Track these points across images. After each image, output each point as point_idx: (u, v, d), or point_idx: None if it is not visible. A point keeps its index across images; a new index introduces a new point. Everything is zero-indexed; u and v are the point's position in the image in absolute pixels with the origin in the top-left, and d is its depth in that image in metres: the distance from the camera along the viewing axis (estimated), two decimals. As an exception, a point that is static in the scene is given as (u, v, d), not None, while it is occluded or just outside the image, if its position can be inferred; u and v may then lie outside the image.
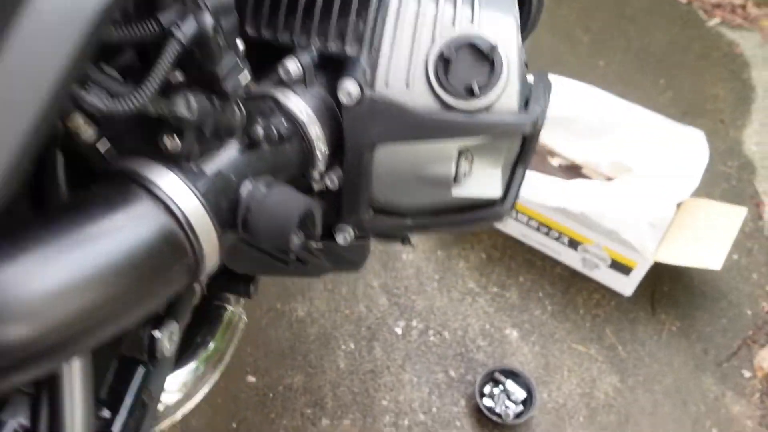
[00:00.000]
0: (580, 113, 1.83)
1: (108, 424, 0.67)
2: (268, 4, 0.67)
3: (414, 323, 1.73)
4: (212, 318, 1.06)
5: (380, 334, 1.70)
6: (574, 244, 1.75)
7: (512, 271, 1.84)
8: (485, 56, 0.61)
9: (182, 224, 0.50)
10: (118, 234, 0.48)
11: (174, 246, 0.50)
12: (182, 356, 1.01)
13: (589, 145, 1.84)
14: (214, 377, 1.06)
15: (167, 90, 0.50)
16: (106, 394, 0.69)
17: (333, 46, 0.65)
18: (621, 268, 1.72)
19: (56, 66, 0.39)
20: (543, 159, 1.90)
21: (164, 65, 0.47)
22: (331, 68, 0.65)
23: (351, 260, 0.84)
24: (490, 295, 1.79)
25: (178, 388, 1.00)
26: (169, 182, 0.51)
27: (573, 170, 1.89)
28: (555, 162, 1.91)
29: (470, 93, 0.61)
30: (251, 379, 1.61)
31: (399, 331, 1.71)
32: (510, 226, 1.85)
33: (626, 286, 1.75)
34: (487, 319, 1.75)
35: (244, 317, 1.09)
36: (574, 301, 1.78)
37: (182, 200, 0.51)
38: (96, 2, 0.40)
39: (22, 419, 0.60)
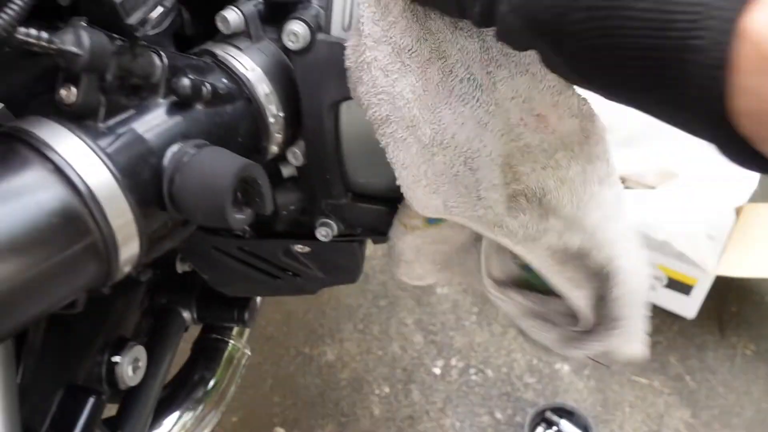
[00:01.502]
0: (617, 120, 1.69)
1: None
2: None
3: (453, 362, 1.57)
4: (211, 353, 0.95)
5: (417, 376, 1.55)
6: (624, 264, 1.58)
7: (559, 299, 1.67)
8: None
9: (81, 192, 0.40)
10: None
11: (69, 219, 0.40)
12: (180, 394, 0.91)
13: (629, 154, 1.69)
14: (216, 417, 0.95)
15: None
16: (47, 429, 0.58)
17: (281, -9, 0.55)
18: (680, 287, 1.54)
19: None
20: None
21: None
22: (284, 20, 0.55)
23: (345, 267, 0.72)
24: (535, 327, 1.62)
25: (178, 429, 0.89)
26: (65, 142, 0.41)
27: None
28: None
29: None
30: (280, 430, 1.48)
31: (437, 371, 1.56)
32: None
33: (688, 307, 1.56)
34: (533, 353, 1.58)
35: (248, 351, 0.98)
36: (630, 328, 1.60)
37: (80, 163, 0.41)
38: None
39: None
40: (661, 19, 0.30)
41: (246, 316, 0.88)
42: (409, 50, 0.45)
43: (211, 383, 0.94)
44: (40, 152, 0.40)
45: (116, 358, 0.64)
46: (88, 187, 0.40)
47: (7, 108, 0.45)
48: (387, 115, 0.47)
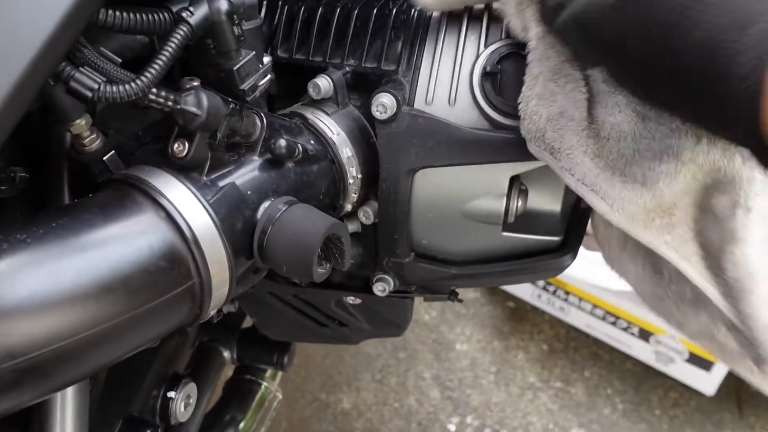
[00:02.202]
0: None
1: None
2: (299, 26, 0.62)
3: (469, 420, 1.57)
4: (244, 394, 0.96)
5: (432, 431, 1.55)
6: (645, 335, 1.59)
7: (577, 365, 1.68)
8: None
9: (187, 239, 0.43)
10: (109, 242, 0.41)
11: (175, 263, 0.43)
12: (209, 434, 0.92)
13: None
14: (244, 461, 0.96)
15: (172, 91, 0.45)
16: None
17: (368, 64, 0.59)
18: (700, 362, 1.54)
19: (38, 31, 0.35)
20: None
21: (171, 48, 0.42)
22: (367, 89, 0.59)
23: (392, 322, 0.75)
24: (553, 391, 1.63)
25: (204, 470, 0.90)
26: (175, 191, 0.44)
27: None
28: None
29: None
30: (291, 476, 1.47)
31: (452, 428, 1.56)
32: (573, 315, 1.71)
33: (708, 383, 1.56)
34: (550, 417, 1.58)
35: (280, 395, 1.00)
36: (648, 400, 1.60)
37: (189, 211, 0.44)
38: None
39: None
40: (709, 47, 0.36)
41: (285, 360, 0.90)
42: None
43: (242, 425, 0.96)
44: (154, 199, 0.44)
45: (171, 394, 0.66)
46: (194, 234, 0.44)
47: (117, 154, 0.49)
48: None
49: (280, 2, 0.66)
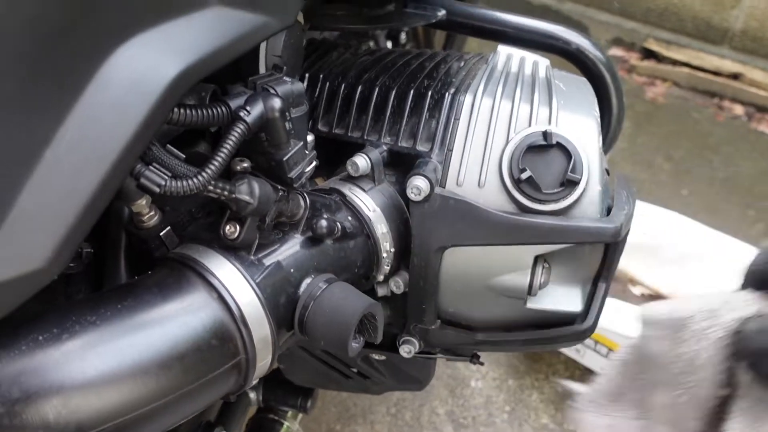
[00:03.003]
0: (664, 240, 1.75)
1: None
2: (339, 103, 0.66)
3: (482, 458, 1.59)
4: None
5: (445, 468, 1.57)
6: (659, 380, 1.60)
7: (591, 408, 1.69)
8: (563, 156, 0.58)
9: (236, 318, 0.47)
10: (167, 322, 0.45)
11: (225, 341, 0.47)
12: (231, 473, 0.95)
13: (674, 273, 1.73)
14: (264, 500, 0.99)
15: (232, 177, 0.49)
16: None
17: (404, 144, 0.63)
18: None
19: (120, 137, 0.39)
20: (624, 287, 1.80)
21: (229, 145, 0.46)
22: (402, 166, 0.63)
23: (415, 378, 0.78)
24: (566, 433, 1.64)
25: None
26: (224, 271, 0.48)
27: (657, 301, 1.77)
28: (637, 291, 1.81)
29: (548, 194, 0.58)
30: (304, 507, 1.49)
31: (465, 465, 1.58)
32: (588, 358, 1.72)
33: None
34: (562, 460, 1.59)
35: (300, 435, 1.03)
36: (662, 445, 1.60)
37: (237, 291, 0.48)
38: (163, 78, 0.40)
39: None
40: None
41: (308, 404, 0.93)
42: None
43: (263, 462, 0.99)
44: (206, 280, 0.48)
45: (204, 442, 0.70)
46: (242, 313, 0.48)
47: (172, 230, 0.53)
48: None
49: (321, 77, 0.70)
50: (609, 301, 0.74)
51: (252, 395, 0.93)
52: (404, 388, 0.81)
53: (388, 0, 0.89)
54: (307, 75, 0.71)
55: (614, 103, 0.93)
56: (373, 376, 0.79)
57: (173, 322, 0.45)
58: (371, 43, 1.09)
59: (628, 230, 0.60)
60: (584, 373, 1.75)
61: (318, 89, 0.69)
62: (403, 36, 1.34)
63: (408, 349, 0.69)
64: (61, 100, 0.38)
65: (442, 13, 0.88)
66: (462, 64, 0.75)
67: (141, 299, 0.45)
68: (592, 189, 0.59)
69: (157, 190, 0.44)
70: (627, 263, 1.77)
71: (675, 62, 3.17)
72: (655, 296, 1.78)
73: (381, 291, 0.68)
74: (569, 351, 1.76)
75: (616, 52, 3.32)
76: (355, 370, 0.80)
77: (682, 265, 1.72)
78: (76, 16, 0.37)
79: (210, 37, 0.45)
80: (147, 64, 0.40)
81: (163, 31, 0.42)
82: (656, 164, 2.56)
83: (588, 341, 1.69)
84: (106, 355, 0.42)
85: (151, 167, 0.44)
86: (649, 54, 3.28)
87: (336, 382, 0.83)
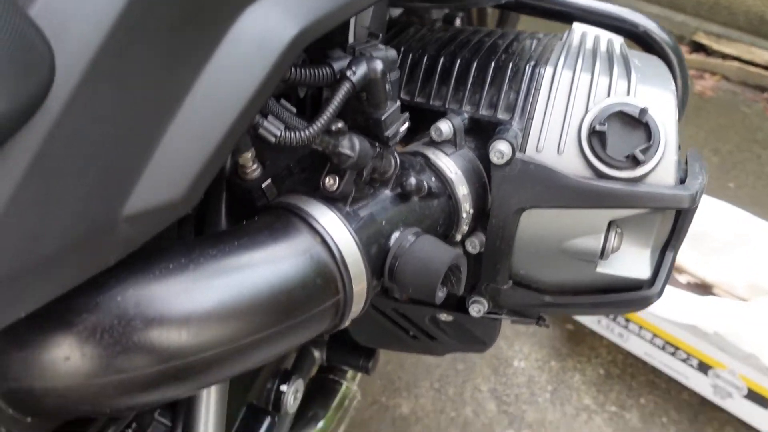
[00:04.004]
0: (711, 229, 1.75)
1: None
2: (421, 72, 0.70)
3: (523, 435, 1.62)
4: (327, 392, 1.04)
5: (486, 443, 1.61)
6: (704, 367, 1.61)
7: (633, 391, 1.71)
8: (640, 125, 0.61)
9: (337, 260, 0.51)
10: (278, 260, 0.49)
11: (327, 281, 0.51)
12: (293, 428, 1.00)
13: (721, 263, 1.73)
14: (321, 456, 1.03)
15: (332, 134, 0.53)
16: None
17: (484, 112, 0.67)
18: (759, 399, 1.56)
19: (247, 88, 0.43)
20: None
21: (337, 103, 0.50)
22: (481, 133, 0.66)
23: (480, 339, 0.81)
24: (607, 414, 1.66)
25: (287, 461, 0.98)
26: (327, 218, 0.52)
27: (703, 289, 1.78)
28: (683, 279, 1.81)
29: (626, 161, 0.60)
30: (349, 473, 1.55)
31: (507, 441, 1.61)
32: (632, 343, 1.74)
33: (766, 420, 1.57)
34: (604, 441, 1.61)
35: (359, 396, 1.07)
36: (702, 432, 1.62)
37: (339, 236, 0.52)
38: (284, 36, 0.44)
39: (157, 448, 0.60)
40: None
41: (370, 364, 0.98)
42: None
43: (322, 422, 1.03)
44: (310, 225, 0.52)
45: (283, 387, 0.74)
46: (342, 256, 0.51)
47: (272, 183, 0.57)
48: None
49: (403, 49, 0.74)
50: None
51: (317, 354, 0.98)
52: (468, 349, 0.84)
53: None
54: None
55: (680, 85, 0.94)
56: (440, 336, 0.83)
57: (284, 260, 0.49)
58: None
59: (701, 200, 0.63)
60: (626, 357, 1.77)
61: (400, 60, 0.72)
62: (457, 21, 1.37)
63: (478, 309, 0.72)
64: (201, 52, 0.42)
65: (510, -7, 0.91)
66: (536, 41, 0.78)
67: (254, 239, 0.49)
68: (668, 158, 0.61)
69: (273, 139, 0.48)
70: (674, 251, 1.77)
71: (725, 56, 3.13)
72: (701, 285, 1.78)
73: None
74: (612, 335, 1.78)
75: (665, 42, 3.28)
76: (420, 328, 0.84)
77: (727, 254, 1.72)
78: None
79: (323, 1, 0.48)
80: (271, 24, 0.44)
81: (285, -6, 0.46)
82: (703, 157, 2.54)
83: (632, 326, 1.71)
84: (227, 285, 0.46)
85: (268, 119, 0.48)
86: (698, 47, 3.24)
87: (402, 342, 0.87)
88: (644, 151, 0.60)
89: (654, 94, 0.63)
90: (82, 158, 0.36)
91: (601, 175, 0.61)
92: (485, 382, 1.74)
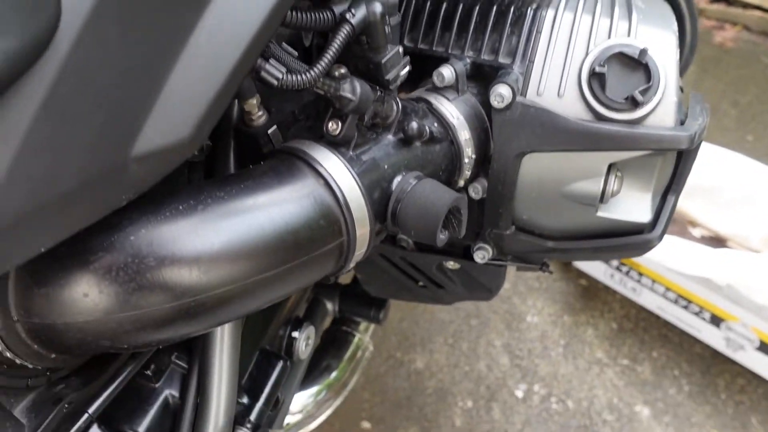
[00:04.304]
0: (725, 182, 1.74)
1: (247, 410, 0.69)
2: (424, 19, 0.70)
3: (536, 388, 1.65)
4: (340, 343, 1.07)
5: (500, 396, 1.64)
6: (716, 320, 1.63)
7: (645, 345, 1.73)
8: (640, 66, 0.61)
9: (340, 202, 0.53)
10: (283, 201, 0.51)
11: (331, 222, 0.52)
12: (307, 378, 1.03)
13: (735, 215, 1.73)
14: (335, 404, 1.07)
15: (334, 79, 0.54)
16: (246, 382, 0.71)
17: (486, 57, 0.67)
18: (771, 351, 1.57)
19: (250, 28, 0.44)
20: (683, 229, 1.80)
21: (337, 45, 0.51)
22: (483, 78, 0.67)
23: (486, 286, 0.83)
24: (619, 368, 1.68)
25: (299, 409, 1.02)
26: (330, 162, 0.54)
27: (717, 243, 1.78)
28: (697, 233, 1.81)
29: (626, 103, 0.61)
30: (366, 425, 1.59)
31: (520, 394, 1.64)
32: (644, 297, 1.75)
33: (777, 371, 1.59)
34: (615, 392, 1.64)
35: (371, 347, 1.10)
36: (714, 384, 1.64)
37: (342, 180, 0.53)
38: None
39: (174, 391, 0.63)
40: None
41: (381, 315, 1.00)
42: None
43: (334, 374, 1.06)
44: (315, 169, 0.53)
45: (295, 334, 0.77)
46: (345, 199, 0.53)
47: (278, 129, 0.59)
48: None
49: (405, -4, 0.74)
50: (668, 239, 0.76)
51: (329, 305, 1.00)
52: (475, 297, 0.86)
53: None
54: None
55: (688, 29, 0.94)
56: (447, 285, 0.85)
57: (288, 202, 0.51)
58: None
59: (702, 140, 0.63)
60: (639, 312, 1.78)
61: (403, 8, 0.73)
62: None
63: (482, 255, 0.74)
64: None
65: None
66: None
67: (260, 182, 0.51)
68: (668, 99, 0.62)
69: (275, 82, 0.49)
70: (687, 204, 1.77)
71: (746, 5, 3.05)
72: (715, 238, 1.78)
73: (459, 197, 0.73)
74: (625, 289, 1.79)
75: (684, -5, 3.20)
76: (428, 277, 0.86)
77: (742, 207, 1.71)
78: None
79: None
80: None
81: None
82: (722, 110, 2.51)
83: (645, 280, 1.72)
84: (234, 225, 0.48)
85: (270, 62, 0.49)
86: (718, -3, 3.17)
87: (411, 291, 0.89)
88: (643, 93, 0.60)
89: (655, 35, 0.63)
90: (91, 99, 0.38)
91: (600, 117, 0.62)
92: (498, 337, 1.77)
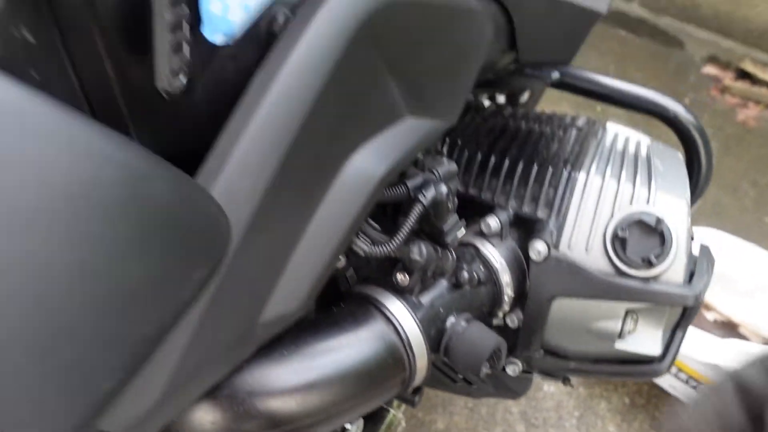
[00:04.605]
0: (740, 271, 1.84)
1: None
2: (476, 168, 0.83)
3: (549, 457, 1.75)
4: (375, 419, 1.18)
5: (515, 462, 1.74)
6: (725, 403, 1.71)
7: (656, 421, 1.81)
8: (656, 232, 0.73)
9: (405, 343, 0.65)
10: (361, 344, 0.63)
11: (397, 360, 0.65)
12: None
13: (748, 304, 1.83)
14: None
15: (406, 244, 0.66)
16: None
17: (527, 209, 0.80)
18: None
19: (349, 218, 0.57)
20: (698, 312, 1.90)
21: (411, 222, 0.63)
22: (523, 226, 0.80)
23: (513, 389, 0.95)
24: (630, 442, 1.77)
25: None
26: (398, 308, 0.66)
27: (729, 327, 1.87)
28: (710, 316, 1.91)
29: (643, 263, 0.73)
30: (387, 482, 1.69)
31: (534, 461, 1.74)
32: (657, 375, 1.84)
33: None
34: (625, 466, 1.73)
35: (403, 423, 1.21)
36: (721, 464, 1.72)
37: (406, 324, 0.66)
38: (376, 177, 0.58)
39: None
40: None
41: (416, 399, 1.11)
42: None
43: (369, 447, 1.17)
44: (385, 315, 0.66)
45: (348, 426, 0.89)
46: (409, 340, 0.65)
47: (353, 271, 0.72)
48: None
49: (459, 142, 0.87)
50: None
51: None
52: (502, 396, 0.98)
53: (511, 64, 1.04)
54: (447, 139, 0.88)
55: (703, 164, 1.06)
56: (478, 383, 0.96)
57: (364, 343, 0.63)
58: (487, 102, 1.24)
59: (704, 296, 0.75)
60: (651, 388, 1.87)
61: (457, 154, 0.86)
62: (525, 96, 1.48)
63: (513, 369, 0.86)
64: (320, 193, 0.56)
65: (556, 75, 1.03)
66: (575, 132, 0.90)
67: (343, 327, 0.64)
68: (678, 260, 0.74)
69: (362, 253, 0.62)
70: (703, 290, 1.87)
71: (770, 85, 3.17)
72: (727, 323, 1.88)
73: (496, 322, 0.85)
74: (639, 367, 1.88)
75: (710, 70, 3.32)
76: (461, 376, 0.98)
77: (754, 297, 1.81)
78: (339, 139, 0.55)
79: (404, 142, 0.62)
80: (366, 167, 0.58)
81: (376, 142, 0.60)
82: (741, 189, 2.61)
83: (658, 360, 1.81)
84: (324, 366, 0.60)
85: (359, 236, 0.62)
86: (743, 75, 3.28)
87: (445, 384, 1.00)
88: (657, 256, 0.72)
89: (670, 204, 0.75)
90: (240, 287, 0.51)
91: (620, 272, 0.74)
92: (516, 405, 1.86)
